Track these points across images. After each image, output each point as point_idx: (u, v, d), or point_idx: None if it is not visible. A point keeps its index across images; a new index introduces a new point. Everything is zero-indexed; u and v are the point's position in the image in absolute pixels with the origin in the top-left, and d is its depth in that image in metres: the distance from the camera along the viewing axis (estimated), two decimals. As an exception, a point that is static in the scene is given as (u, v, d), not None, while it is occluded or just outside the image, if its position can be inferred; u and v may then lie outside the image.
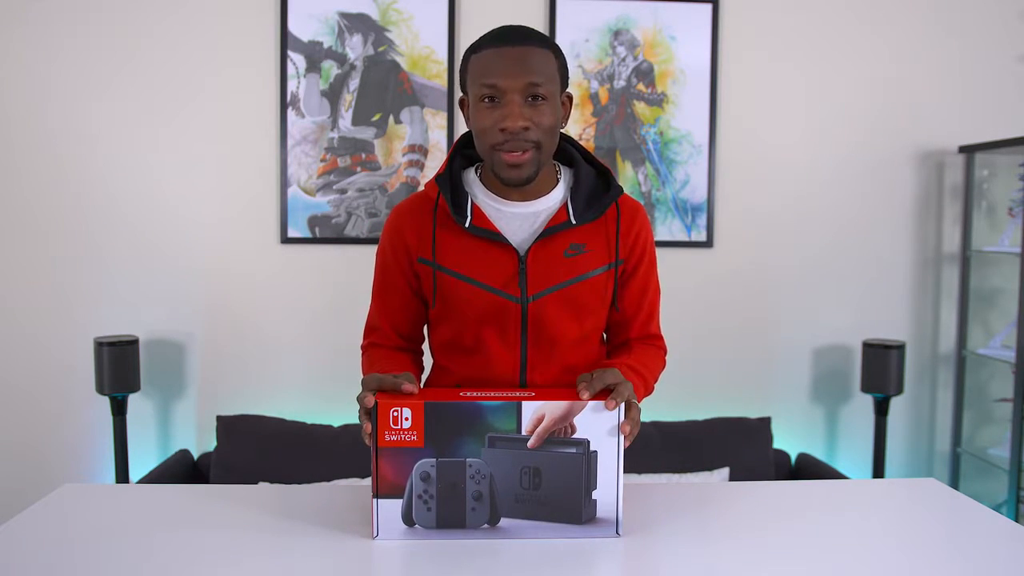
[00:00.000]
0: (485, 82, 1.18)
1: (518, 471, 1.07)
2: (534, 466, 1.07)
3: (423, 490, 1.07)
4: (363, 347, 1.41)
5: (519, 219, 1.29)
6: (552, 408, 1.06)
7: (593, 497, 1.08)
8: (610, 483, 1.08)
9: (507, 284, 1.27)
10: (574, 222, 1.27)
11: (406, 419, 1.06)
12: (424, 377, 1.46)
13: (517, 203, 1.29)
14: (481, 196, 1.30)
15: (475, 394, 1.09)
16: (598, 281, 1.30)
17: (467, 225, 1.26)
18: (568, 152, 1.35)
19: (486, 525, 1.08)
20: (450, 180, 1.31)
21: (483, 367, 1.31)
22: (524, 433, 1.06)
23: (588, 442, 1.07)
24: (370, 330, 1.41)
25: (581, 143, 2.66)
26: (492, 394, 1.09)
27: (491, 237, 1.26)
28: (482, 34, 1.26)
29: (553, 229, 1.27)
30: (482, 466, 1.07)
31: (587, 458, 1.07)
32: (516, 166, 1.20)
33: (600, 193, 1.31)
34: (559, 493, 1.08)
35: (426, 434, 1.06)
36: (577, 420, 1.07)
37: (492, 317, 1.28)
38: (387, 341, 1.38)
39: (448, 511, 1.08)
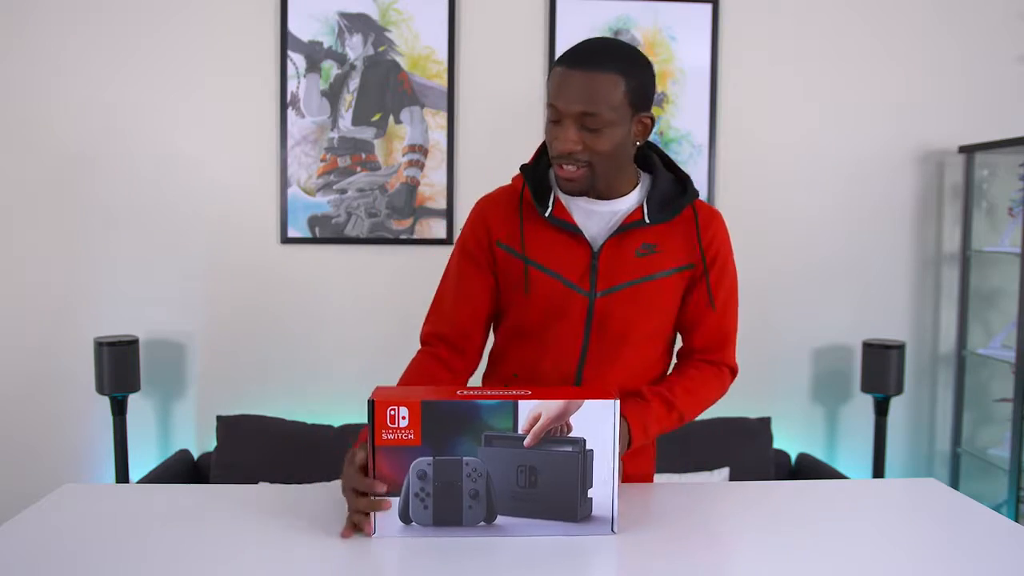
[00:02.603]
0: (549, 102, 1.23)
1: (514, 469, 1.07)
2: (530, 464, 1.07)
3: (420, 488, 1.07)
4: (421, 338, 1.40)
5: (596, 216, 1.32)
6: (548, 407, 1.06)
7: (589, 495, 1.08)
8: (606, 481, 1.08)
9: (580, 277, 1.30)
10: (648, 221, 1.29)
11: (403, 418, 1.06)
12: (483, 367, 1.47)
13: (595, 201, 1.32)
14: (562, 191, 1.33)
15: (471, 392, 1.09)
16: (668, 283, 1.32)
17: (547, 214, 1.30)
18: (650, 159, 1.37)
19: (483, 523, 1.08)
20: (535, 172, 1.34)
21: (542, 355, 1.34)
22: (520, 432, 1.06)
23: (584, 441, 1.07)
24: (434, 318, 1.39)
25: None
26: (488, 393, 1.09)
27: (568, 229, 1.30)
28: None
29: (627, 227, 1.29)
30: (478, 464, 1.07)
31: (583, 457, 1.07)
32: (568, 180, 1.25)
33: (676, 196, 1.33)
34: (555, 491, 1.08)
35: (423, 433, 1.06)
36: (573, 419, 1.07)
37: (559, 308, 1.31)
38: (449, 329, 1.36)
39: (445, 509, 1.08)
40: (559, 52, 2.64)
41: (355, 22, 2.60)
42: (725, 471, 2.52)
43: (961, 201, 2.80)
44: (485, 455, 1.07)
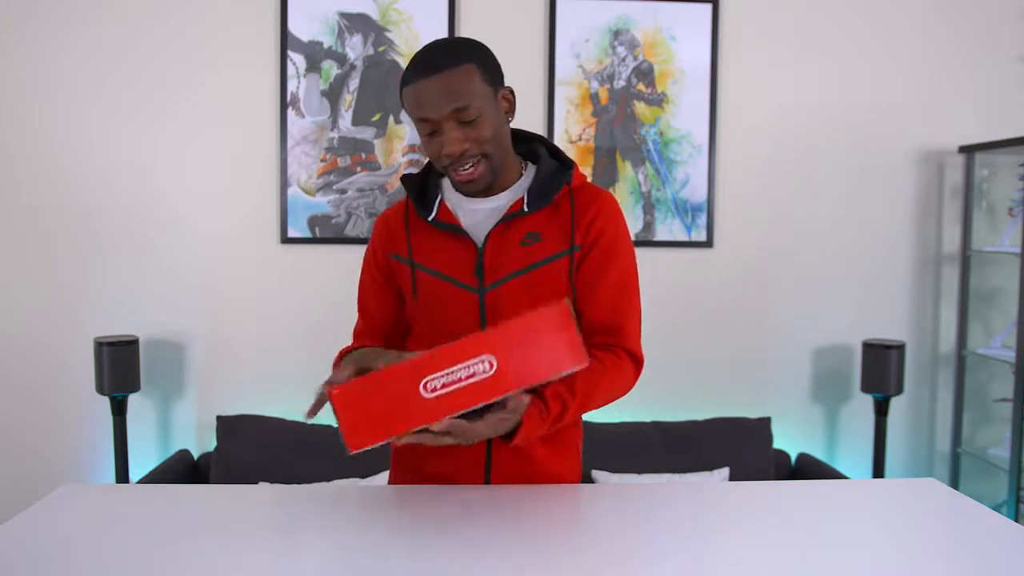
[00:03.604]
0: (417, 117, 1.23)
1: None
2: None
3: None
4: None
5: (482, 214, 1.33)
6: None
7: None
8: None
9: (465, 274, 1.30)
10: (526, 210, 1.30)
11: None
12: None
13: (480, 199, 1.33)
14: (448, 194, 1.36)
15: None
16: (555, 268, 1.30)
17: (430, 219, 1.32)
18: (536, 151, 1.37)
19: None
20: (421, 180, 1.38)
21: None
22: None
23: None
24: (356, 335, 1.45)
25: (581, 143, 2.66)
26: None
27: (452, 230, 1.31)
28: (412, 57, 1.28)
29: (508, 218, 1.30)
30: None
31: None
32: (470, 180, 1.26)
33: (555, 182, 1.33)
34: None
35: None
36: None
37: (453, 307, 1.31)
38: (370, 343, 1.41)
39: None
40: (559, 52, 2.64)
41: (355, 22, 2.60)
42: (725, 471, 2.52)
43: (961, 201, 2.80)
44: None
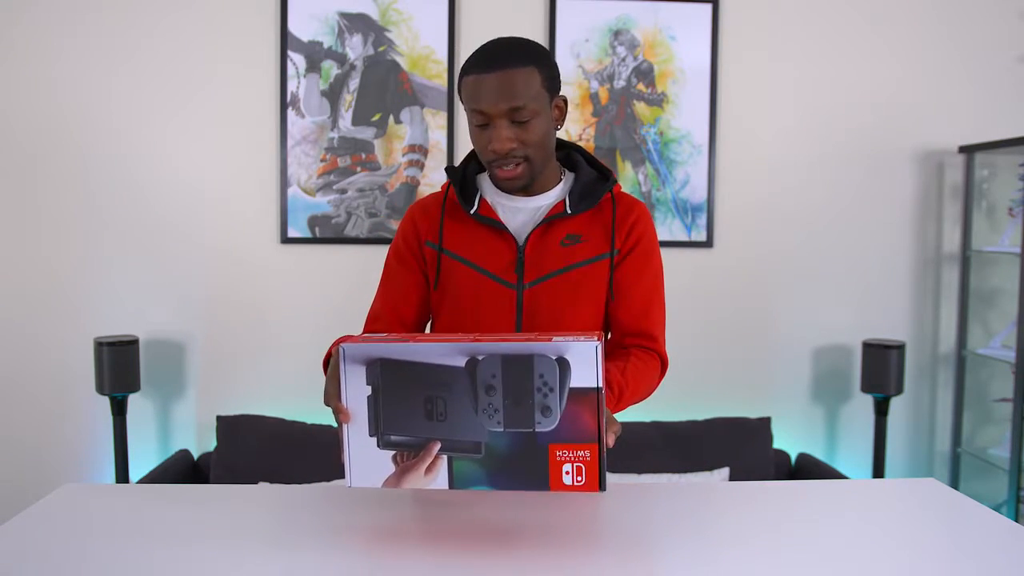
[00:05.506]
0: (473, 107, 1.26)
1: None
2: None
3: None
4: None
5: (522, 213, 1.36)
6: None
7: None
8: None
9: (505, 270, 1.33)
10: (569, 212, 1.34)
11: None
12: None
13: (521, 198, 1.37)
14: (488, 191, 1.39)
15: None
16: (593, 270, 1.34)
17: (472, 212, 1.34)
18: (573, 159, 1.42)
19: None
20: (462, 175, 1.40)
21: None
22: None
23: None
24: (371, 320, 1.41)
25: (581, 143, 2.67)
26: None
27: (493, 225, 1.34)
28: (474, 49, 1.30)
29: (551, 219, 1.34)
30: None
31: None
32: (510, 178, 1.30)
33: (598, 188, 1.37)
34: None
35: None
36: None
37: (488, 302, 1.33)
38: (387, 329, 1.41)
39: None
40: (559, 52, 2.64)
41: (355, 22, 2.60)
42: (725, 471, 2.52)
43: (961, 201, 2.80)
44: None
